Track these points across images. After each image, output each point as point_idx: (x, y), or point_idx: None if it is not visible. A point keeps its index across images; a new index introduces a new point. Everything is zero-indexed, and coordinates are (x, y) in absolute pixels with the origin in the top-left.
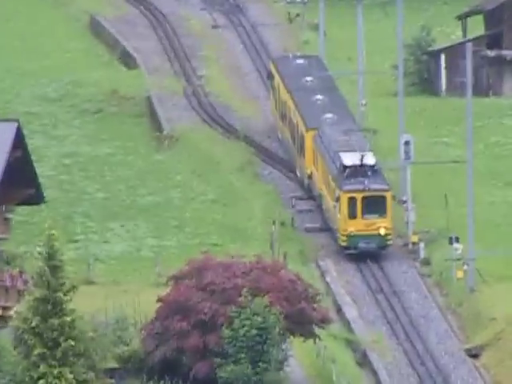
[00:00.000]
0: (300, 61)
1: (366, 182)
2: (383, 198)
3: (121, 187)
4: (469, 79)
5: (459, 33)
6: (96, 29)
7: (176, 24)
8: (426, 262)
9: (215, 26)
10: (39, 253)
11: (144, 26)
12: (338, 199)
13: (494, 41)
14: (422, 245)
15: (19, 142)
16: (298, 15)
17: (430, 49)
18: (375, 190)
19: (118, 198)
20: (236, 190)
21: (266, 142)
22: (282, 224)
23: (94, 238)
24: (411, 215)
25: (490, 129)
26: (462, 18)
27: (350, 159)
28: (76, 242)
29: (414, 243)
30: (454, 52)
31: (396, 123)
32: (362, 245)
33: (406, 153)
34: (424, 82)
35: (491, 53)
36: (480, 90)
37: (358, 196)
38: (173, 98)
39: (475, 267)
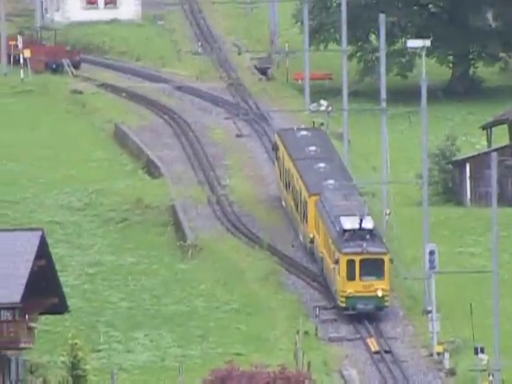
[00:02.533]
0: (303, 132)
1: (364, 245)
2: (381, 261)
3: (145, 296)
4: (494, 189)
5: (484, 142)
6: (120, 138)
7: (200, 133)
8: (452, 373)
9: (239, 135)
10: (63, 362)
11: (168, 135)
12: (337, 261)
13: None
14: (446, 355)
15: (43, 251)
16: (322, 124)
17: (455, 158)
18: (373, 253)
19: (142, 307)
20: (260, 300)
21: (290, 251)
22: (306, 333)
23: (118, 348)
24: (436, 325)
25: None
26: (487, 127)
27: (349, 223)
28: (100, 351)
29: (438, 353)
30: (479, 162)
31: (420, 233)
32: (359, 306)
33: (431, 262)
34: (449, 192)
35: None
36: (505, 200)
37: (357, 258)
38: (197, 207)
39: (500, 378)
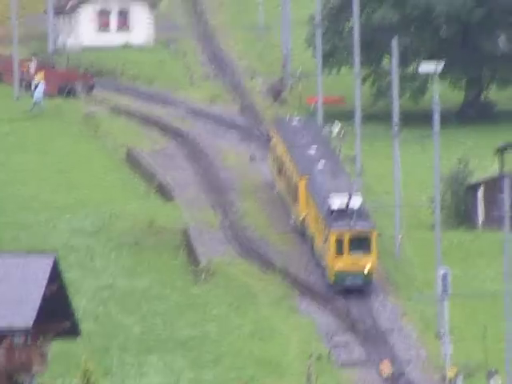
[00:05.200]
0: (296, 121)
1: (352, 222)
2: (368, 237)
3: (158, 320)
4: (506, 213)
5: (496, 166)
6: (133, 161)
7: (213, 156)
8: None
9: (252, 159)
10: None
11: (181, 158)
12: (326, 238)
13: None
14: (460, 378)
15: (56, 275)
16: (337, 151)
17: (468, 182)
18: (361, 230)
19: (154, 331)
20: (272, 324)
21: (303, 275)
22: (319, 358)
23: (131, 372)
24: (448, 348)
25: None
26: (499, 151)
27: (337, 201)
28: (112, 375)
29: (451, 377)
30: (492, 185)
31: (433, 256)
32: (348, 282)
33: (444, 286)
34: (461, 215)
35: None
36: None
37: (345, 235)
38: (209, 231)
39: None
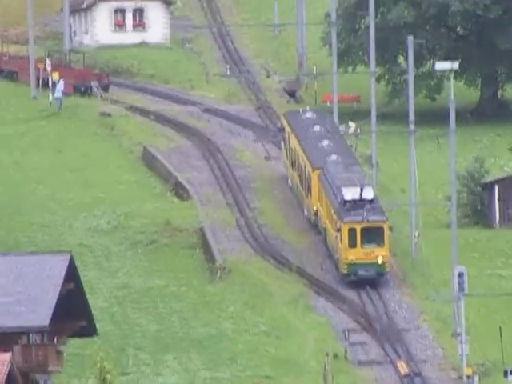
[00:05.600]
0: (308, 114)
1: (364, 214)
2: (381, 229)
3: (174, 319)
4: None
5: None
6: (149, 160)
7: (229, 155)
8: None
9: (268, 158)
10: None
11: (197, 157)
12: (339, 230)
13: None
14: (476, 378)
15: (72, 274)
16: (350, 146)
17: (484, 180)
18: (373, 222)
19: (170, 329)
20: (289, 322)
21: (319, 273)
22: (335, 357)
23: (147, 371)
24: (465, 348)
25: None
26: None
27: (350, 193)
28: (128, 374)
29: (468, 376)
30: (508, 184)
31: (449, 255)
32: (361, 272)
33: (460, 285)
34: (477, 214)
35: None
36: None
37: (358, 227)
38: (225, 229)
39: None
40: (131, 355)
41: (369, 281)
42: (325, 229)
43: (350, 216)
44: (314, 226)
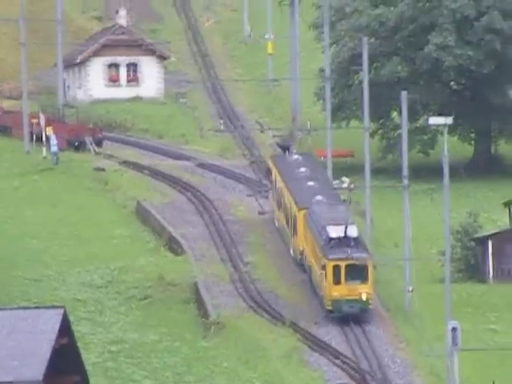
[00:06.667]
0: (294, 157)
1: (349, 251)
2: (365, 266)
3: (167, 374)
4: None
5: (506, 219)
6: (142, 215)
7: (223, 210)
8: None
9: (261, 213)
10: None
11: (191, 212)
12: (323, 267)
13: None
14: None
15: (65, 328)
16: (344, 201)
17: (477, 235)
18: (357, 259)
19: None
20: (283, 377)
21: (313, 328)
22: None
23: None
24: None
25: None
26: (508, 204)
27: (334, 231)
28: None
29: None
30: (501, 238)
31: (443, 310)
32: (345, 308)
33: (454, 339)
34: (471, 269)
35: None
36: None
37: (342, 264)
38: (219, 284)
39: None
40: None
41: (353, 316)
42: (310, 267)
43: (335, 254)
44: (300, 265)
